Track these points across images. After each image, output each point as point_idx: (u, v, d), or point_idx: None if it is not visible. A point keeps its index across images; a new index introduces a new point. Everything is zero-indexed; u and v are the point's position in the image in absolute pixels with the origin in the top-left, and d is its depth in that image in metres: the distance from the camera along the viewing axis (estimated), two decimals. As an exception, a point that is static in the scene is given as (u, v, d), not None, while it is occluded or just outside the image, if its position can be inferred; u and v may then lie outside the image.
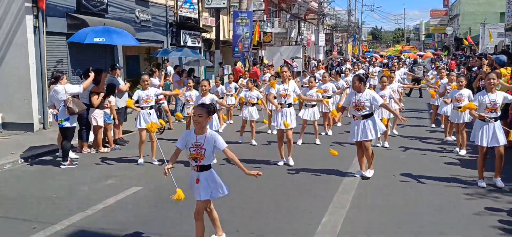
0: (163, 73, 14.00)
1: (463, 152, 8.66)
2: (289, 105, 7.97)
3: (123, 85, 10.37)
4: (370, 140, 7.01)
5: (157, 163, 8.18)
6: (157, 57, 17.47)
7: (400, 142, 9.90)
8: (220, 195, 4.42)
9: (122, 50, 15.14)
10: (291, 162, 7.94)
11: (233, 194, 6.34)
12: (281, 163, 7.98)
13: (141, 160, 8.25)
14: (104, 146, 9.49)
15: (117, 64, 11.31)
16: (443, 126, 10.67)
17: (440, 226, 5.12)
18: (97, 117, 9.09)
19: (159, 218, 5.48)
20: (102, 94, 9.10)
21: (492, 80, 6.43)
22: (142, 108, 8.30)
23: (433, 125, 11.82)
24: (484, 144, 6.43)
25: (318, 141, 10.03)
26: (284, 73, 7.97)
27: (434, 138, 10.38)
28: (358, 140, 7.00)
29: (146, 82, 8.41)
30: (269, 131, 11.18)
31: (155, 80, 12.11)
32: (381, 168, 7.44)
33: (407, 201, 6.03)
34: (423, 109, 15.39)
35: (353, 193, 6.35)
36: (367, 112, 6.95)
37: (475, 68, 14.34)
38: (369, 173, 7.08)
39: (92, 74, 8.63)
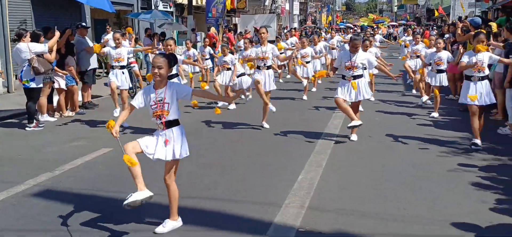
0: (133, 36, 13.53)
1: (435, 114, 8.76)
2: (268, 67, 7.80)
3: (91, 46, 9.91)
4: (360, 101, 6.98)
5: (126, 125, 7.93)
6: (127, 19, 16.89)
7: (375, 106, 9.94)
8: (187, 155, 3.92)
9: (90, 12, 14.54)
10: (266, 125, 7.85)
11: (205, 154, 6.25)
12: (273, 108, 7.89)
13: (117, 110, 7.98)
14: (71, 110, 9.11)
15: (84, 24, 10.80)
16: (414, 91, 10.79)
17: (415, 182, 5.14)
18: (59, 79, 8.66)
19: (129, 178, 5.26)
20: (55, 50, 8.31)
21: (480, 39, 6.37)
22: (112, 66, 8.00)
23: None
24: (476, 104, 6.39)
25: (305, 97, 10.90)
26: (262, 34, 7.81)
27: (408, 102, 10.47)
28: (354, 100, 6.86)
29: (118, 40, 8.03)
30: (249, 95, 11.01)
31: (125, 43, 11.67)
32: (357, 130, 7.43)
33: (382, 160, 6.03)
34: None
35: (329, 152, 6.31)
36: (359, 73, 6.83)
37: (447, 36, 14.46)
38: (354, 137, 7.05)
39: (57, 33, 8.19)
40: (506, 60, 6.82)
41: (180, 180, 4.98)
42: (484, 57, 6.38)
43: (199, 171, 5.51)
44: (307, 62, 11.28)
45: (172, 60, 3.85)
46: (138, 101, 3.86)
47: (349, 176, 5.34)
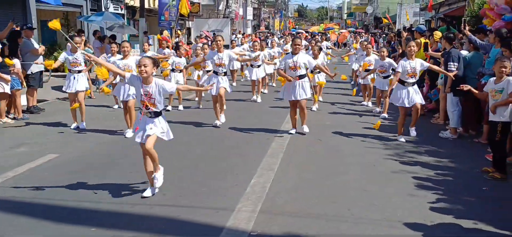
0: (83, 38, 13.07)
1: (384, 115, 9.23)
2: (225, 73, 8.13)
3: (37, 47, 9.51)
4: (306, 99, 7.45)
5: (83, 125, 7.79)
6: (76, 21, 16.32)
7: (325, 108, 10.21)
8: (169, 138, 4.83)
9: (36, 13, 13.92)
10: (219, 123, 8.15)
11: (159, 157, 6.16)
12: (218, 122, 8.15)
13: (74, 125, 7.85)
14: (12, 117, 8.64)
15: (30, 25, 10.33)
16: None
17: (362, 182, 5.34)
18: (2, 83, 8.19)
19: (77, 185, 5.12)
20: None
21: (412, 47, 7.13)
22: (70, 70, 7.80)
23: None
24: (407, 105, 7.14)
25: (259, 99, 11.16)
26: (218, 42, 8.07)
27: (356, 105, 10.82)
28: (298, 99, 7.35)
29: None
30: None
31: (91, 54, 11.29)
32: (308, 133, 7.59)
33: (332, 162, 6.20)
34: (346, 81, 15.96)
35: (281, 157, 6.40)
36: (302, 73, 7.35)
37: (393, 43, 15.10)
38: (306, 128, 7.59)
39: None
40: (434, 67, 7.54)
41: (133, 187, 4.92)
42: (417, 64, 7.13)
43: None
44: (258, 66, 11.53)
45: (156, 61, 4.68)
46: (130, 78, 4.72)
47: (300, 179, 5.45)
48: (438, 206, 4.66)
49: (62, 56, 7.90)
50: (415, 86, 7.26)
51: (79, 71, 7.80)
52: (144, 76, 4.49)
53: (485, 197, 4.99)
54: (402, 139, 7.23)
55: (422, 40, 9.88)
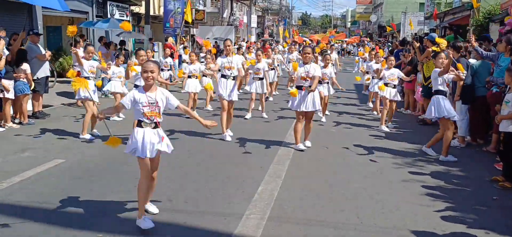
0: (82, 43, 13.07)
1: (390, 124, 9.17)
2: (234, 78, 7.87)
3: (44, 53, 9.52)
4: (314, 111, 7.15)
5: (88, 137, 7.69)
6: (82, 28, 16.35)
7: (332, 117, 10.16)
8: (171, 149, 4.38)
9: (42, 18, 13.98)
10: (228, 138, 7.76)
11: (165, 165, 6.14)
12: (228, 138, 7.76)
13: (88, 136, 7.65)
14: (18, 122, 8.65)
15: (36, 30, 10.37)
16: (371, 104, 11.16)
17: (370, 190, 5.29)
18: (8, 87, 8.19)
19: (83, 190, 5.09)
20: (3, 59, 7.92)
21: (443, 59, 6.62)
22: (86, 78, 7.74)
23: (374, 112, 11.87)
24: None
25: (265, 115, 10.13)
26: (228, 47, 7.94)
27: (362, 114, 10.78)
28: (308, 110, 7.02)
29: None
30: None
31: (79, 52, 11.29)
32: (314, 141, 7.55)
33: (339, 170, 6.16)
34: (352, 89, 15.97)
35: (288, 164, 6.36)
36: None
37: (397, 51, 15.03)
38: (308, 143, 7.31)
39: (2, 41, 7.79)
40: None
41: (135, 193, 4.88)
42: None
43: (159, 182, 5.35)
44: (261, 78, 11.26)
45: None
46: (126, 101, 4.12)
47: (307, 187, 5.40)
48: (447, 214, 4.61)
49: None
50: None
51: (95, 79, 7.88)
52: (150, 83, 4.07)
53: (495, 207, 4.92)
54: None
55: (434, 48, 9.74)
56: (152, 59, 4.63)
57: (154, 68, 4.07)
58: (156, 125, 4.13)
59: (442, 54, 6.73)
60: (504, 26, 10.89)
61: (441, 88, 6.64)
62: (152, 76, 4.05)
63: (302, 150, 7.09)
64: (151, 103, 4.07)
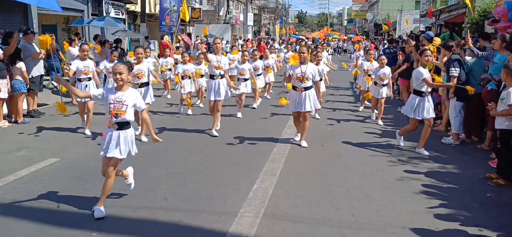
0: (77, 41, 13.05)
1: (380, 122, 9.26)
2: (222, 76, 7.90)
3: (38, 52, 9.47)
4: (310, 111, 7.19)
5: (88, 133, 7.73)
6: (76, 26, 16.32)
7: (327, 115, 10.17)
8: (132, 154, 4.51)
9: (37, 17, 13.92)
10: (215, 133, 7.90)
11: (159, 163, 6.14)
12: (215, 133, 7.90)
13: (87, 131, 7.76)
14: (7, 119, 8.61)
15: (31, 29, 10.31)
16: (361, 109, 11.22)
17: (365, 188, 5.30)
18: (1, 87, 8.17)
19: (78, 189, 5.08)
20: None
21: (429, 57, 6.75)
22: (80, 79, 7.72)
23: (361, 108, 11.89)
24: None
25: (239, 115, 9.87)
26: (217, 45, 7.98)
27: (357, 112, 10.80)
28: (303, 111, 7.06)
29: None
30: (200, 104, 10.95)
31: (74, 50, 11.29)
32: (309, 139, 7.55)
33: (335, 168, 6.17)
34: (347, 87, 15.99)
35: (283, 161, 6.37)
36: (309, 84, 7.05)
37: (388, 47, 15.03)
38: (304, 143, 7.28)
39: None
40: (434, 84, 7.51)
41: (134, 191, 4.88)
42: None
43: (153, 181, 5.39)
44: (259, 75, 11.41)
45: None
46: (94, 93, 4.41)
47: (302, 185, 5.41)
48: (442, 212, 4.63)
49: (74, 64, 7.68)
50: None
51: (89, 79, 7.78)
52: (120, 84, 4.27)
53: (489, 204, 4.94)
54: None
55: (430, 47, 9.75)
56: (125, 60, 4.63)
57: (123, 69, 4.27)
58: (121, 127, 4.32)
59: (428, 52, 6.82)
60: (496, 21, 10.90)
61: (419, 88, 6.71)
62: (121, 77, 4.26)
63: (295, 141, 7.44)
64: (118, 101, 4.28)
